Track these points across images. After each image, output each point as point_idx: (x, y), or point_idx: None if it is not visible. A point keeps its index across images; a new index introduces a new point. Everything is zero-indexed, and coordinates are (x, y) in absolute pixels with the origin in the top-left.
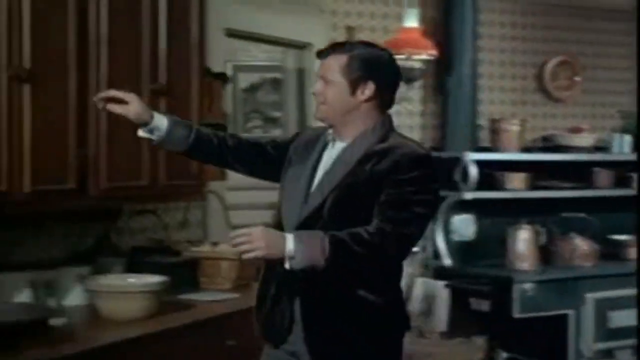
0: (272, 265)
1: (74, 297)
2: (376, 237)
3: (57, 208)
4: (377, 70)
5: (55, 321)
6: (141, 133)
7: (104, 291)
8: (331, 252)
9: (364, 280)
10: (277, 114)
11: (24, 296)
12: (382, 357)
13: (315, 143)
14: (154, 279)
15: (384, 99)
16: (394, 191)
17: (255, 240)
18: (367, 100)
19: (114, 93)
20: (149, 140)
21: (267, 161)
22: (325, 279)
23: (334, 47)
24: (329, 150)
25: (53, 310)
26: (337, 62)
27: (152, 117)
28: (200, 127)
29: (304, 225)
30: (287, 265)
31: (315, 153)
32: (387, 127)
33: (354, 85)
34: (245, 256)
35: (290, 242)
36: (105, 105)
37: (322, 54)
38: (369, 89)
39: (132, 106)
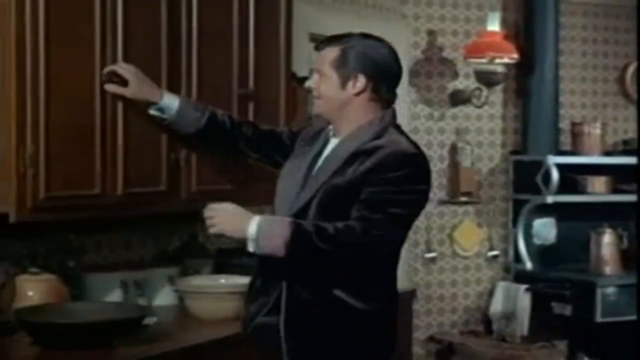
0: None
1: (163, 297)
2: (342, 235)
3: (148, 211)
4: (369, 63)
5: (147, 320)
6: (151, 111)
7: (195, 291)
8: (292, 242)
9: (341, 280)
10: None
11: (115, 296)
12: None
13: (319, 136)
14: (244, 280)
15: (379, 94)
16: (373, 190)
17: (222, 216)
18: (359, 94)
19: (112, 68)
20: (161, 119)
21: (282, 151)
22: (302, 274)
23: (330, 39)
24: (329, 144)
25: (147, 310)
26: (330, 55)
27: (161, 96)
28: (215, 110)
29: (295, 217)
30: (249, 248)
31: (316, 147)
32: (385, 124)
33: (344, 79)
34: (210, 230)
35: (253, 225)
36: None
37: (318, 46)
38: (359, 83)
39: (130, 88)
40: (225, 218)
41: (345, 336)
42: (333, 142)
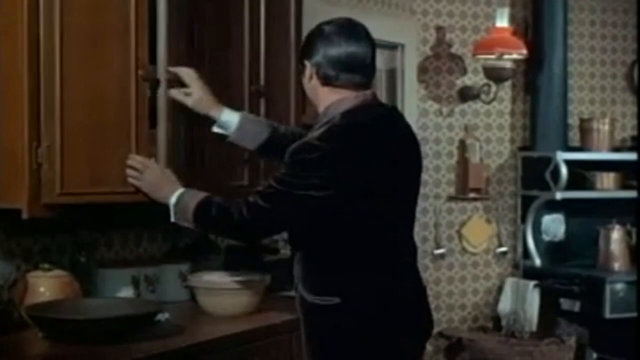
0: None
1: (174, 293)
2: (234, 205)
3: (159, 207)
4: (310, 49)
5: (159, 316)
6: (215, 129)
7: (207, 287)
8: (195, 211)
9: (301, 278)
10: None
11: (126, 292)
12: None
13: None
14: (256, 276)
15: (326, 76)
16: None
17: (149, 174)
18: (310, 80)
19: (175, 71)
20: (222, 136)
21: None
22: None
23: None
24: None
25: (159, 305)
26: None
27: (221, 112)
28: (277, 125)
29: None
30: (171, 217)
31: None
32: (336, 111)
33: (300, 68)
34: (130, 181)
35: (174, 197)
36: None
37: None
38: (307, 70)
39: (191, 98)
40: (153, 178)
41: (316, 330)
42: None
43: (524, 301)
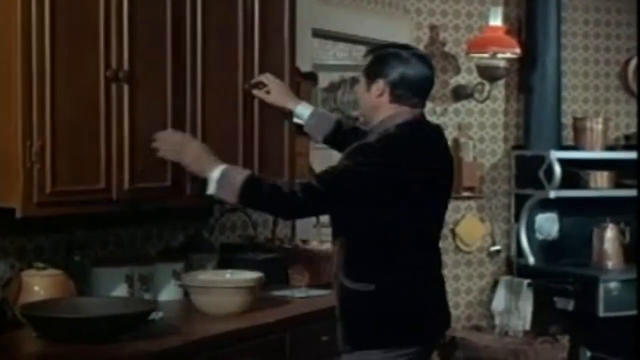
0: None
1: (168, 292)
2: (285, 185)
3: (153, 206)
4: (388, 69)
5: (153, 315)
6: (294, 119)
7: (200, 286)
8: (243, 186)
9: (342, 267)
10: (356, 112)
11: (120, 291)
12: (352, 339)
13: None
14: (250, 275)
15: (400, 97)
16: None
17: (188, 147)
18: (379, 96)
19: (260, 79)
20: (300, 125)
21: None
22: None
23: (370, 50)
24: None
25: (153, 304)
26: (365, 62)
27: (296, 105)
28: (344, 122)
29: None
30: (208, 190)
31: None
32: (391, 122)
33: (370, 83)
34: (164, 155)
35: (218, 169)
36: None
37: (365, 56)
38: (379, 86)
39: (272, 96)
40: (193, 152)
41: (350, 317)
42: None
43: (517, 300)
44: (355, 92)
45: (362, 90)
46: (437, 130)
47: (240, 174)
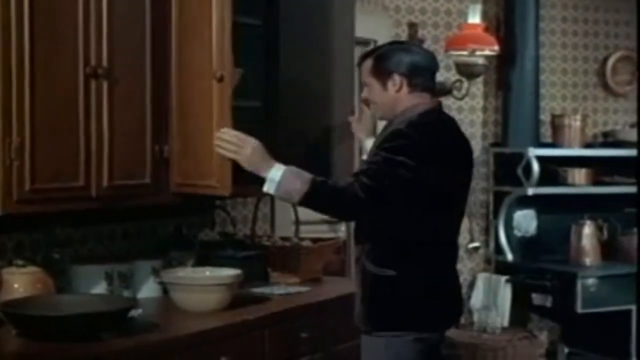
0: None
1: (147, 290)
2: (348, 186)
3: (132, 203)
4: (398, 62)
5: (132, 312)
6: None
7: (180, 283)
8: (308, 189)
9: (368, 253)
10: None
11: (99, 288)
12: (374, 322)
13: None
14: (229, 272)
15: (416, 85)
16: (371, 156)
17: (246, 147)
18: (399, 90)
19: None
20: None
21: None
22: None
23: (365, 54)
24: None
25: (132, 301)
26: (367, 66)
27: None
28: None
29: None
30: (265, 188)
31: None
32: (417, 110)
33: (384, 82)
34: (220, 151)
35: (279, 171)
36: None
37: (359, 63)
38: (396, 81)
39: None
40: (251, 151)
41: (375, 301)
42: None
43: (495, 296)
44: (368, 99)
45: (378, 91)
46: (455, 121)
47: (303, 176)
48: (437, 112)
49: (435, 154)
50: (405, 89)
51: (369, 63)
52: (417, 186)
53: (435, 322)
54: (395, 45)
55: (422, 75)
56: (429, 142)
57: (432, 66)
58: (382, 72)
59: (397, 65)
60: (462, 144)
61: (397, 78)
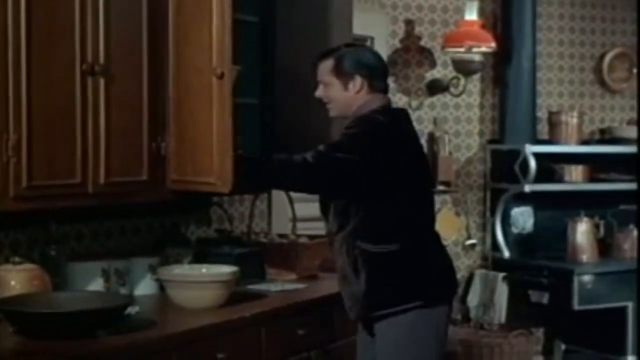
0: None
1: (144, 287)
2: (296, 155)
3: (129, 200)
4: (360, 65)
5: (129, 309)
6: None
7: (177, 281)
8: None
9: (358, 235)
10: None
11: (96, 285)
12: (392, 299)
13: None
14: (225, 269)
15: (374, 87)
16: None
17: None
18: (359, 91)
19: None
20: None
21: None
22: (340, 237)
23: (322, 54)
24: None
25: (129, 299)
26: (327, 66)
27: None
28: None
29: None
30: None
31: None
32: (369, 109)
33: (345, 82)
34: None
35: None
36: None
37: (315, 62)
38: (357, 82)
39: None
40: None
41: (374, 280)
42: None
43: (492, 293)
44: (323, 97)
45: (338, 91)
46: (407, 112)
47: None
48: (388, 107)
49: (398, 134)
50: (365, 89)
51: (329, 63)
52: (371, 165)
53: (444, 291)
54: (354, 47)
55: (380, 77)
56: (391, 125)
57: (386, 69)
58: (344, 73)
59: (359, 68)
60: (413, 135)
61: (358, 80)
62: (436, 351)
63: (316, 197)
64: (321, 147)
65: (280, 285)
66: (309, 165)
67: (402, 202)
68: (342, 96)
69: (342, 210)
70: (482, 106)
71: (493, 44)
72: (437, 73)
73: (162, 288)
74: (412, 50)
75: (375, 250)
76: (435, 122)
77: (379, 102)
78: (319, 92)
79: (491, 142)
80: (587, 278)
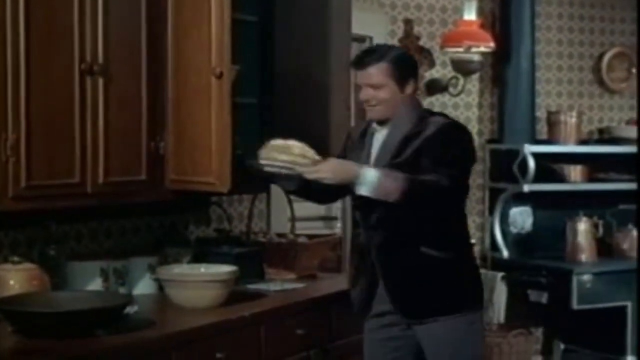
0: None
1: (143, 286)
2: (435, 177)
3: (128, 200)
4: (411, 68)
5: (128, 309)
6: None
7: (176, 280)
8: (406, 186)
9: (424, 241)
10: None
11: (95, 285)
12: (455, 302)
13: (364, 137)
14: (224, 269)
15: (417, 87)
16: (435, 154)
17: (328, 167)
18: (413, 93)
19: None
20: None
21: None
22: (395, 241)
23: (369, 57)
24: (375, 138)
25: (128, 298)
26: (381, 69)
27: None
28: None
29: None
30: (359, 191)
31: (366, 144)
32: (419, 109)
33: (402, 84)
34: (310, 177)
35: (371, 171)
36: None
37: (359, 64)
38: (413, 84)
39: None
40: (333, 167)
41: (437, 282)
42: (382, 133)
43: (492, 293)
44: (373, 99)
45: (393, 92)
46: None
47: (396, 175)
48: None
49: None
50: (414, 92)
51: (383, 65)
52: (468, 173)
53: (482, 297)
54: (403, 49)
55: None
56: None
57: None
58: (401, 75)
59: (413, 70)
60: None
61: (412, 82)
62: (482, 351)
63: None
64: (453, 171)
65: (279, 284)
66: (444, 189)
67: (461, 210)
68: (397, 98)
69: (403, 217)
70: (480, 106)
71: (492, 44)
72: (436, 73)
73: (161, 288)
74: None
75: (439, 256)
76: None
77: (420, 103)
78: (368, 94)
79: (490, 141)
80: (586, 278)
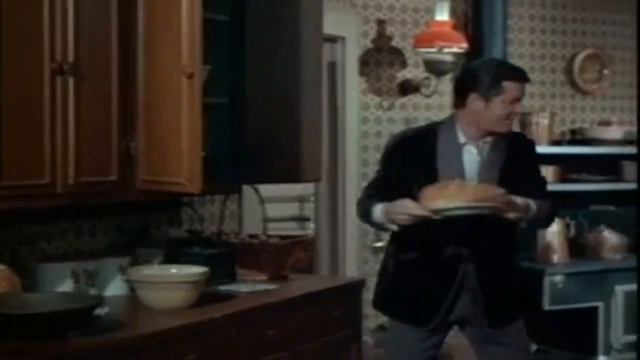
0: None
1: (114, 287)
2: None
3: (99, 200)
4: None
5: (99, 310)
6: None
7: (147, 281)
8: (552, 210)
9: (514, 249)
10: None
11: (66, 286)
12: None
13: (432, 140)
14: (195, 270)
15: None
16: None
17: (510, 201)
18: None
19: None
20: None
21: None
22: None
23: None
24: (467, 151)
25: (98, 299)
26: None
27: None
28: None
29: None
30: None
31: (453, 151)
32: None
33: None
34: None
35: (533, 203)
36: None
37: (526, 78)
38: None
39: None
40: (518, 210)
41: (519, 292)
42: (477, 146)
43: None
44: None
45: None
46: None
47: (541, 201)
48: None
49: None
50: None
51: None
52: None
53: None
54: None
55: None
56: None
57: None
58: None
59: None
60: None
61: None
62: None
63: (293, 197)
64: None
65: (251, 285)
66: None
67: None
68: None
69: (504, 228)
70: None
71: (464, 45)
72: (408, 73)
73: (132, 289)
74: (384, 50)
75: (517, 262)
76: (406, 122)
77: None
78: (522, 108)
79: None
80: (558, 278)
